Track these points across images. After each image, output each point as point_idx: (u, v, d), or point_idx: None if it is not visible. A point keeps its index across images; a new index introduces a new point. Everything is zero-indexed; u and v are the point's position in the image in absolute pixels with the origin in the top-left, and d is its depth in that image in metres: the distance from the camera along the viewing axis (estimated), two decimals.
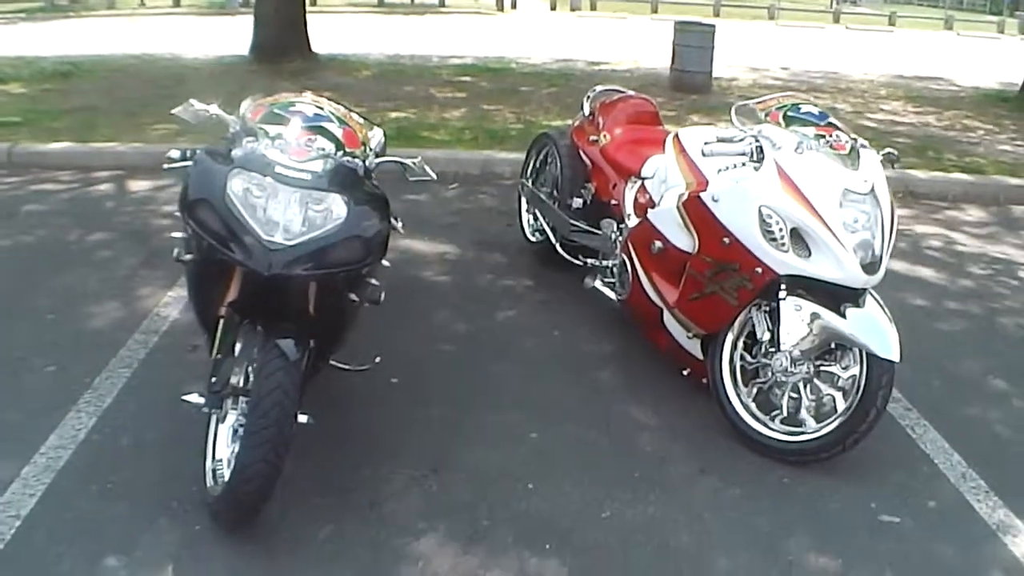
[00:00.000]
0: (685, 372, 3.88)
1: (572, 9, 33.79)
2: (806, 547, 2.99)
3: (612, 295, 4.30)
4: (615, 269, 4.26)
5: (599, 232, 4.49)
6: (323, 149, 2.86)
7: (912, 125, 10.07)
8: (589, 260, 4.64)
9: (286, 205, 2.72)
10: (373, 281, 3.05)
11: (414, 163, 3.07)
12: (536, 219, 5.30)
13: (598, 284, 4.41)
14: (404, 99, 10.00)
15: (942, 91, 13.15)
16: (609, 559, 2.88)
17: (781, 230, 3.25)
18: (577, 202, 4.74)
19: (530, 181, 5.41)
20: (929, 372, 4.27)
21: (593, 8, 33.99)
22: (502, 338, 4.45)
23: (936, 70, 15.51)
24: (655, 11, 31.13)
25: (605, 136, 4.63)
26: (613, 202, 4.44)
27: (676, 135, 3.98)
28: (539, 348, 4.35)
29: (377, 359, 3.69)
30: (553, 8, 34.66)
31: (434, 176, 3.14)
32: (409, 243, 5.63)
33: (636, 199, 4.21)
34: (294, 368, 2.70)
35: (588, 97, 5.05)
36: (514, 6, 34.42)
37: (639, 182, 4.21)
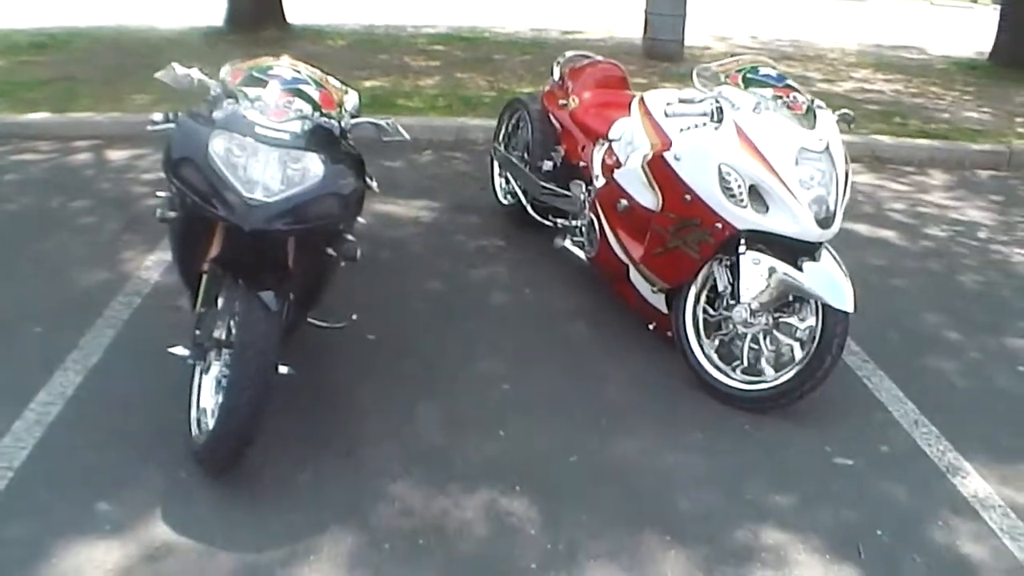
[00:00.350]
0: (651, 326, 4.03)
1: None
2: (763, 488, 3.16)
3: (581, 254, 4.45)
4: (584, 229, 4.41)
5: (568, 193, 4.63)
6: (300, 110, 2.97)
7: (880, 92, 10.22)
8: (559, 221, 4.78)
9: (265, 164, 2.84)
10: (349, 237, 3.17)
11: (388, 124, 3.19)
12: (508, 182, 5.44)
13: (568, 244, 4.55)
14: (378, 67, 10.05)
15: (912, 60, 13.30)
16: (575, 498, 3.04)
17: (740, 187, 3.41)
18: (547, 165, 4.88)
19: (502, 145, 5.54)
20: (887, 326, 4.46)
21: None
22: (475, 296, 4.60)
23: (908, 39, 15.66)
24: None
25: (574, 100, 4.76)
26: (582, 164, 4.58)
27: (641, 98, 4.11)
28: (511, 305, 4.51)
29: (354, 316, 3.86)
30: None
31: (407, 136, 3.25)
32: (385, 206, 5.75)
33: (604, 160, 4.34)
34: (274, 319, 2.83)
35: (558, 62, 5.17)
36: None
37: (607, 144, 4.34)
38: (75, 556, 2.67)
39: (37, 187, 5.93)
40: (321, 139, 2.95)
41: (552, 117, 4.96)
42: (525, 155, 5.17)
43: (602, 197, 4.15)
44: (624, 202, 3.92)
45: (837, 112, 3.74)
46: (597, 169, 4.39)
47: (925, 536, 2.98)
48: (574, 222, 4.59)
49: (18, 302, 4.28)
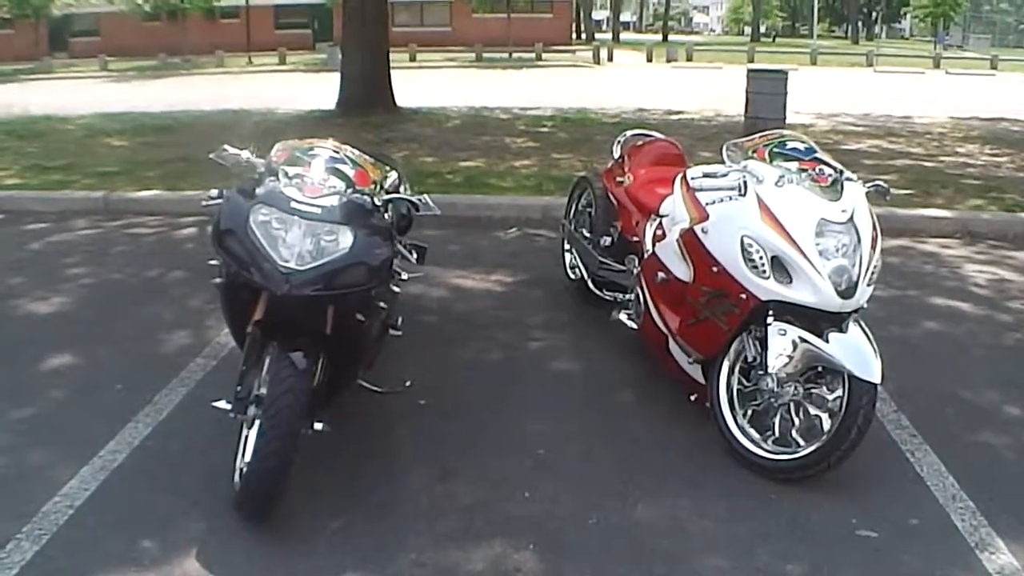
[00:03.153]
0: (692, 397, 4.09)
1: (668, 60, 34.17)
2: (777, 555, 3.16)
3: (632, 325, 4.56)
4: (633, 301, 4.53)
5: (624, 268, 4.77)
6: (334, 187, 3.25)
7: (983, 166, 10.01)
8: (617, 295, 4.91)
9: (300, 235, 3.11)
10: (381, 304, 3.40)
11: (419, 200, 3.43)
12: (574, 258, 5.61)
13: (622, 316, 4.67)
14: (479, 148, 10.47)
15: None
16: (585, 558, 3.13)
17: (761, 258, 3.49)
18: (606, 240, 5.04)
19: (571, 222, 5.73)
20: (945, 401, 4.37)
21: (689, 59, 34.37)
22: (530, 366, 4.76)
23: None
24: (751, 60, 31.22)
25: (630, 177, 4.93)
26: (636, 239, 4.72)
27: (684, 174, 4.24)
28: (562, 375, 4.65)
29: (408, 383, 4.09)
30: (649, 60, 35.17)
31: (438, 211, 3.49)
32: (460, 280, 6.04)
33: (655, 235, 4.47)
34: (303, 376, 3.07)
35: (619, 141, 5.37)
36: (611, 59, 35.04)
37: (658, 220, 4.47)
38: None
39: (142, 258, 6.45)
40: (353, 213, 3.21)
41: (610, 194, 5.13)
42: (588, 231, 5.34)
43: (646, 270, 4.28)
44: (662, 274, 4.05)
45: (869, 184, 3.79)
46: (649, 244, 4.52)
47: None
48: (629, 296, 4.72)
49: (107, 361, 4.71)
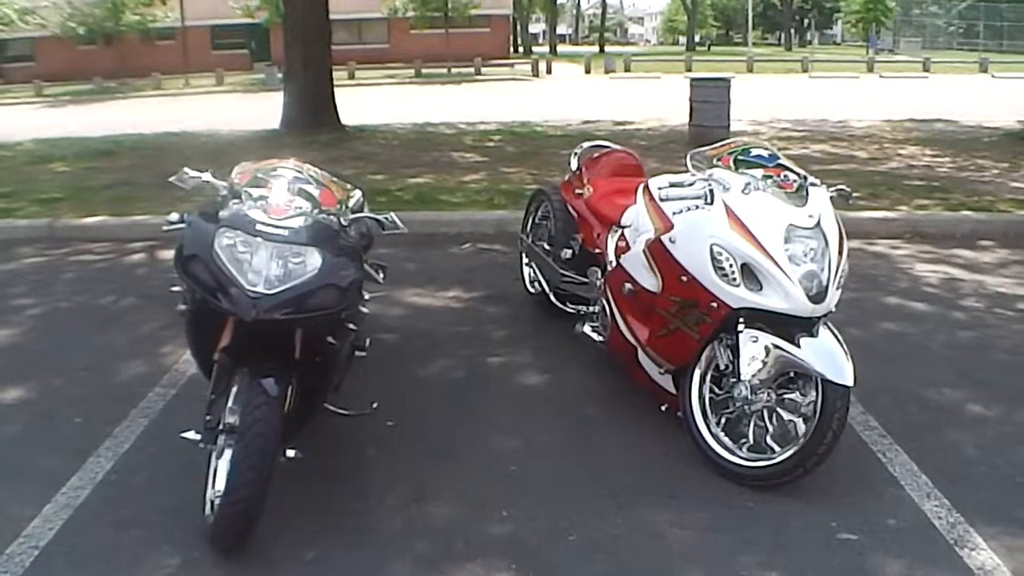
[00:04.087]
0: (663, 407, 4.08)
1: (606, 72, 34.46)
2: (760, 563, 3.15)
3: (598, 338, 4.55)
4: (598, 314, 4.52)
5: (587, 280, 4.76)
6: (300, 208, 3.18)
7: (927, 167, 10.21)
8: (581, 308, 4.90)
9: (267, 258, 3.04)
10: (351, 326, 3.33)
11: (386, 218, 3.38)
12: (535, 271, 5.58)
13: (586, 329, 4.65)
14: (426, 165, 10.42)
15: (962, 133, 13.27)
16: (568, 575, 3.09)
17: (731, 266, 3.50)
18: (566, 253, 5.02)
19: (529, 236, 5.71)
20: (908, 401, 4.42)
21: (627, 70, 34.67)
22: (495, 382, 4.72)
23: (962, 113, 15.61)
24: (689, 69, 31.60)
25: (589, 189, 4.93)
26: (597, 251, 4.71)
27: (646, 184, 4.25)
28: (529, 390, 4.61)
29: (374, 405, 4.03)
30: (588, 71, 35.42)
31: (404, 229, 3.44)
32: (419, 298, 5.99)
33: (617, 246, 4.47)
34: (275, 403, 3.00)
35: (575, 153, 5.37)
36: (549, 71, 35.23)
37: (620, 231, 4.47)
38: None
39: (91, 286, 6.30)
40: (319, 234, 3.15)
41: (569, 206, 5.12)
42: (548, 245, 5.32)
43: (611, 282, 4.27)
44: (629, 286, 4.04)
45: (832, 188, 3.82)
46: (611, 255, 4.51)
47: None
48: (592, 308, 4.71)
49: (62, 393, 4.57)
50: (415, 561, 3.16)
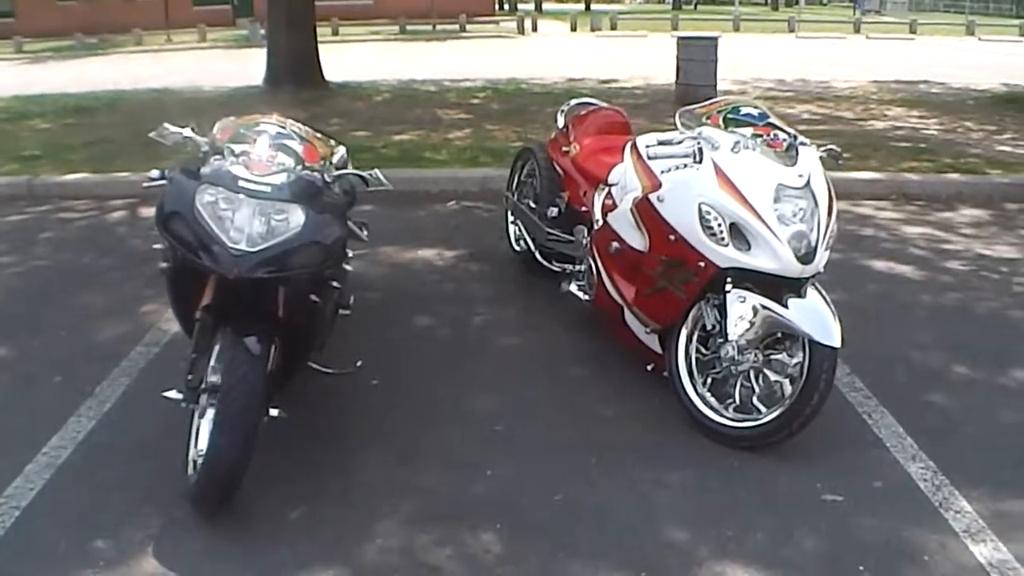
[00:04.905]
0: (649, 367, 4.06)
1: (592, 30, 34.16)
2: (745, 524, 3.15)
3: (584, 297, 4.51)
4: (584, 272, 4.49)
5: (572, 239, 4.72)
6: (283, 164, 3.12)
7: (912, 129, 10.18)
8: (566, 266, 4.86)
9: (249, 215, 2.98)
10: (335, 284, 3.29)
11: (370, 175, 3.32)
12: (520, 230, 5.54)
13: (572, 288, 4.62)
14: (411, 122, 10.32)
15: (949, 95, 13.23)
16: (554, 536, 3.08)
17: (720, 225, 3.46)
18: (552, 211, 4.97)
19: (514, 194, 5.65)
20: (895, 363, 4.42)
21: (613, 28, 34.39)
22: (481, 339, 4.69)
23: (948, 75, 15.56)
24: (675, 28, 31.35)
25: (575, 147, 4.87)
26: (584, 209, 4.66)
27: (633, 142, 4.19)
28: (514, 348, 4.59)
29: (358, 363, 3.98)
30: (573, 29, 35.10)
31: (390, 186, 3.38)
32: (403, 255, 5.95)
33: (604, 205, 4.42)
34: (258, 362, 2.96)
35: (562, 111, 5.30)
36: (535, 29, 34.91)
37: (606, 189, 4.42)
38: None
39: (72, 244, 6.21)
40: (304, 191, 3.09)
41: (556, 164, 5.06)
42: (533, 203, 5.27)
43: (597, 240, 4.23)
44: (615, 244, 4.00)
45: (822, 148, 3.78)
46: (598, 214, 4.47)
47: (909, 572, 2.94)
48: (578, 267, 4.67)
49: (43, 353, 4.51)
50: (400, 522, 3.15)
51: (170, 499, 3.21)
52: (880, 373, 4.28)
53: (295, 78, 12.13)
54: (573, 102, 5.39)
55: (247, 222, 2.97)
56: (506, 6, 54.30)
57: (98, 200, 7.22)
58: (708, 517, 3.20)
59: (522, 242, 5.50)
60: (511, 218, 5.74)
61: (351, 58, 17.93)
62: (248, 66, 13.45)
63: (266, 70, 12.52)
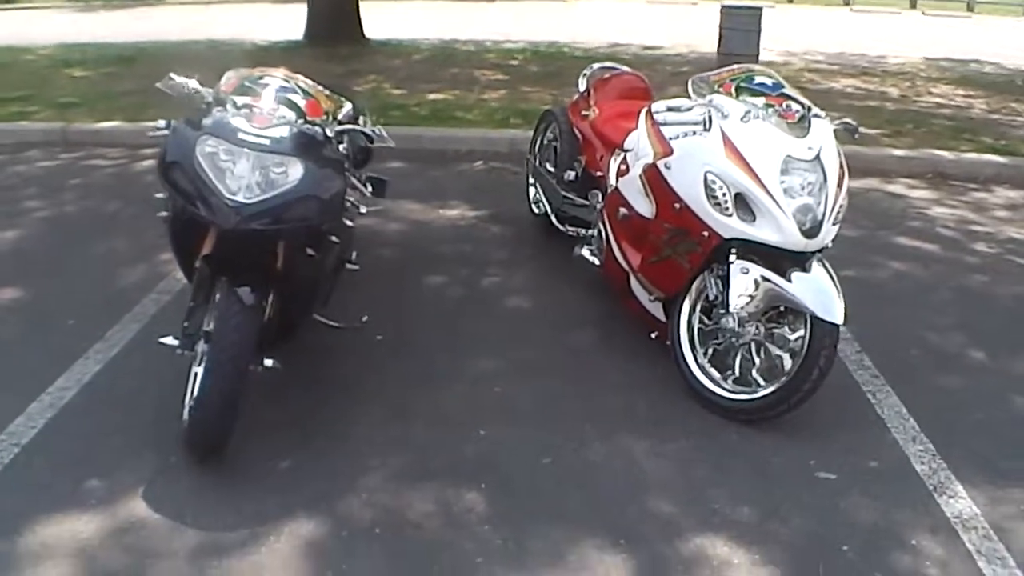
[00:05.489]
0: (653, 335, 4.03)
1: None
2: (734, 497, 3.12)
3: (596, 262, 4.48)
4: (595, 237, 4.45)
5: (587, 203, 4.68)
6: (284, 117, 3.12)
7: (957, 108, 9.93)
8: (581, 230, 4.83)
9: (248, 167, 2.99)
10: (333, 239, 3.29)
11: (373, 131, 3.32)
12: (539, 192, 5.50)
13: (584, 252, 4.58)
14: (447, 81, 10.26)
15: (999, 75, 12.89)
16: (537, 499, 3.09)
17: (725, 195, 3.41)
18: (570, 175, 4.93)
19: (536, 156, 5.61)
20: (909, 343, 4.34)
21: None
22: (491, 301, 4.69)
23: (1002, 55, 15.11)
24: None
25: (595, 111, 4.82)
26: (600, 174, 4.62)
27: (649, 108, 4.13)
28: (524, 311, 4.59)
29: (364, 319, 4.01)
30: None
31: (392, 143, 3.38)
32: (423, 214, 5.95)
33: (619, 170, 4.37)
34: (251, 312, 2.98)
35: (584, 74, 5.24)
36: None
37: (622, 154, 4.37)
38: (57, 525, 2.87)
39: (99, 192, 6.29)
40: (304, 144, 3.09)
41: (575, 128, 5.01)
42: (553, 166, 5.24)
43: (607, 205, 4.20)
44: (623, 210, 3.97)
45: (837, 121, 3.70)
46: (612, 179, 4.42)
47: (893, 555, 2.89)
48: (592, 231, 4.64)
49: (58, 296, 4.59)
50: (388, 476, 3.17)
51: (166, 445, 3.26)
52: (891, 353, 4.20)
53: (334, 33, 12.11)
54: (596, 66, 5.32)
55: (246, 174, 2.98)
56: None
57: (130, 148, 7.27)
58: (697, 489, 3.19)
59: (540, 205, 5.47)
60: (531, 180, 5.71)
61: (398, 16, 17.83)
62: (296, 20, 13.41)
63: (306, 25, 12.51)
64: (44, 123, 7.92)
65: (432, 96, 9.34)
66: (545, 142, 5.60)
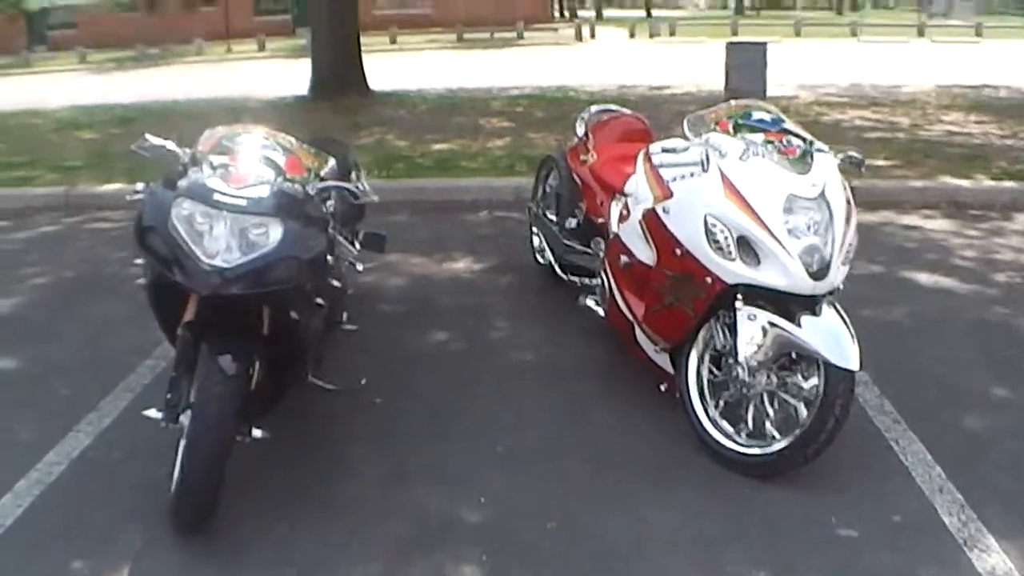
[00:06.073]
0: (663, 387, 3.86)
1: (651, 36, 33.86)
2: (748, 557, 2.95)
3: (600, 312, 4.34)
4: (599, 287, 4.31)
5: (589, 251, 4.55)
6: (261, 176, 3.01)
7: (968, 135, 9.78)
8: (585, 280, 4.69)
9: (226, 230, 2.88)
10: (319, 301, 3.16)
11: (357, 187, 3.21)
12: (542, 241, 5.38)
13: (589, 302, 4.43)
14: (452, 130, 10.23)
15: (1011, 100, 12.73)
16: (541, 566, 2.93)
17: (727, 238, 3.27)
18: (571, 222, 4.81)
19: (538, 204, 5.50)
20: (927, 383, 4.16)
21: (672, 34, 33.99)
22: (494, 355, 4.54)
23: (1013, 79, 14.98)
24: (735, 33, 30.90)
25: (593, 155, 4.71)
26: (601, 220, 4.49)
27: (646, 150, 4.01)
28: (527, 364, 4.44)
29: (363, 381, 3.88)
30: (632, 36, 34.80)
31: (376, 199, 3.29)
32: (426, 267, 5.85)
33: (620, 216, 4.25)
34: (232, 382, 2.85)
35: (582, 117, 5.14)
36: (593, 36, 34.70)
37: (623, 199, 4.25)
38: None
39: (98, 256, 6.25)
40: (283, 204, 2.98)
41: (575, 173, 4.90)
42: (554, 214, 5.12)
43: (608, 253, 4.07)
44: (624, 258, 3.83)
45: (841, 155, 3.55)
46: (614, 225, 4.29)
47: None
48: (595, 280, 4.50)
49: (53, 365, 4.51)
50: (385, 544, 3.03)
51: (154, 518, 3.12)
52: (912, 395, 4.01)
53: (339, 87, 12.15)
54: (593, 108, 5.23)
55: (223, 237, 2.88)
56: (566, 13, 54.21)
57: (129, 211, 7.14)
58: (709, 548, 3.01)
59: (544, 254, 5.35)
60: (534, 229, 5.59)
61: (405, 66, 18.00)
62: (302, 75, 13.49)
63: (311, 80, 12.57)
64: (47, 187, 7.93)
65: (437, 146, 9.30)
66: (547, 189, 5.49)
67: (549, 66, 19.12)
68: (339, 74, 12.40)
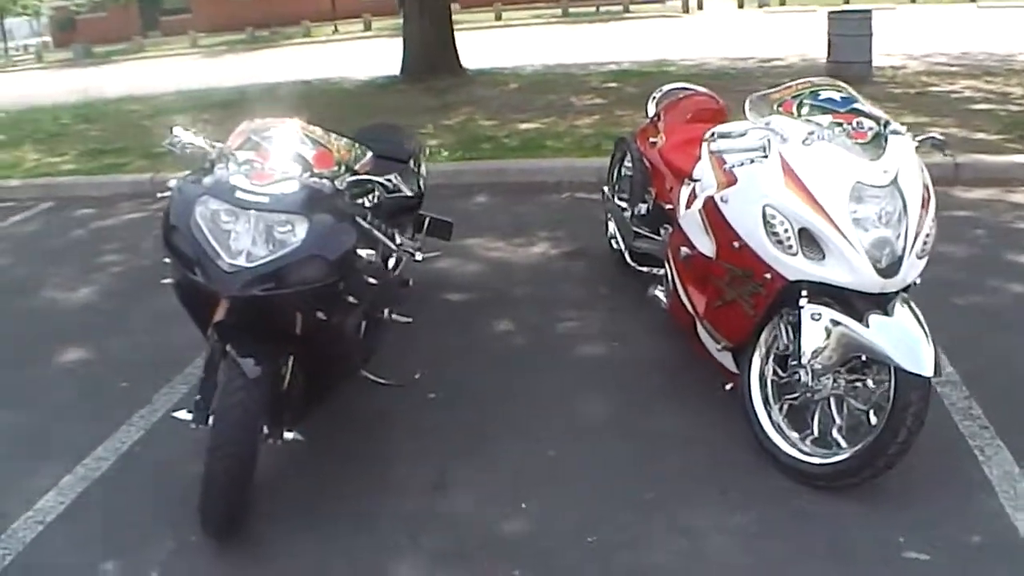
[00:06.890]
0: (728, 386, 3.60)
1: (760, 6, 32.80)
2: None
3: (665, 304, 4.10)
4: (664, 277, 4.08)
5: (658, 238, 4.30)
6: (286, 172, 2.88)
7: None
8: (654, 268, 4.44)
9: (249, 228, 2.77)
10: (351, 299, 3.02)
11: (387, 180, 3.05)
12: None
13: (657, 292, 4.19)
14: (541, 109, 10.02)
15: None
16: None
17: (787, 231, 2.99)
18: (641, 208, 4.57)
19: (611, 189, 5.26)
20: (1021, 388, 3.78)
21: (782, 3, 32.87)
22: (558, 350, 4.34)
23: None
24: (847, 1, 29.65)
25: (662, 138, 4.44)
26: (670, 207, 4.24)
27: (712, 132, 3.73)
28: (592, 360, 4.23)
29: (417, 375, 3.76)
30: (741, 6, 33.83)
31: (408, 192, 3.13)
32: (499, 252, 5.71)
33: (688, 202, 3.99)
34: (256, 385, 2.74)
35: (654, 97, 4.87)
36: (700, 7, 33.83)
37: (692, 184, 3.98)
38: None
39: None
40: (309, 200, 2.85)
41: (645, 157, 4.64)
42: (625, 199, 4.88)
43: (671, 243, 3.82)
44: (685, 250, 3.58)
45: (921, 137, 3.21)
46: (681, 213, 4.03)
47: None
48: (663, 270, 4.25)
49: (115, 356, 4.56)
50: (417, 556, 2.90)
51: (189, 522, 3.04)
52: (1004, 398, 3.63)
53: (430, 67, 12.06)
54: (665, 87, 4.94)
55: (247, 236, 2.76)
56: None
57: None
58: (765, 570, 2.77)
59: (617, 240, 5.11)
60: (608, 215, 5.35)
61: (507, 42, 17.82)
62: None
63: (402, 60, 12.51)
64: (133, 175, 8.05)
65: (524, 125, 9.11)
66: (620, 173, 5.23)
67: (653, 39, 18.66)
68: (431, 54, 12.30)
